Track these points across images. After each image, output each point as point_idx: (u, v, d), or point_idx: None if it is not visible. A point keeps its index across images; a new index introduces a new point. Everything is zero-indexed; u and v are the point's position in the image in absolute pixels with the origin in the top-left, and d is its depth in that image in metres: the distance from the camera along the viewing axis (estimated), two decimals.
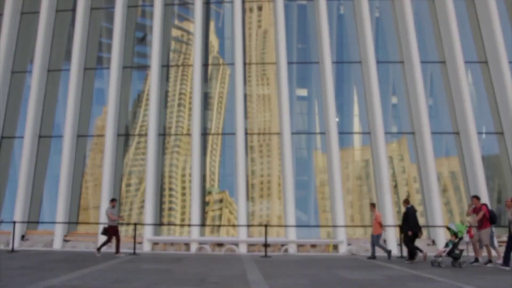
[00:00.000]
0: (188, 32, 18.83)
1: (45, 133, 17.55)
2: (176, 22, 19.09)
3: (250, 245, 15.40)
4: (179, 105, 17.86)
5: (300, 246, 15.24)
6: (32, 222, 16.52)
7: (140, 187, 16.89)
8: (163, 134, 17.32)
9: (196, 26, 17.41)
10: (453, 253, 10.76)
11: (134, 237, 14.23)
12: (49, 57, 18.15)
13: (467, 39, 17.34)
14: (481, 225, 11.27)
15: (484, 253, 11.72)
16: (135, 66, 18.43)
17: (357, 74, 17.49)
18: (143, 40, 18.93)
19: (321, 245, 15.27)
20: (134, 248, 14.06)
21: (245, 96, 17.30)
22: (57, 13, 18.66)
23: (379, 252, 13.56)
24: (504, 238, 15.46)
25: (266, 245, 13.98)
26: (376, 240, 13.07)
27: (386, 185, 15.42)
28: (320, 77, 17.23)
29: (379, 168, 15.71)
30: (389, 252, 13.04)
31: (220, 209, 16.71)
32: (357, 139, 17.35)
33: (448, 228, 11.16)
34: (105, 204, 15.80)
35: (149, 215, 15.75)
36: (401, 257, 13.32)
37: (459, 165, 16.40)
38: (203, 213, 16.41)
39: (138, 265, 10.53)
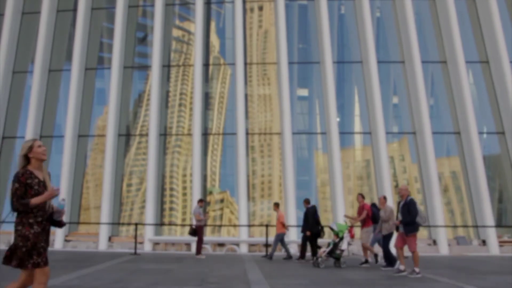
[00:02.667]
0: (189, 32, 18.83)
1: (46, 133, 17.56)
2: (177, 22, 19.11)
3: (251, 245, 15.41)
4: (180, 105, 17.86)
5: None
6: None
7: (141, 187, 16.90)
8: (164, 134, 17.33)
9: (197, 26, 17.41)
10: (334, 254, 10.51)
11: (135, 237, 14.23)
12: (50, 57, 18.16)
13: (468, 39, 17.33)
14: (363, 224, 11.04)
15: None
16: (136, 66, 18.44)
17: (358, 74, 17.49)
18: (144, 40, 18.94)
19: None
20: (135, 248, 14.06)
21: (246, 96, 17.30)
22: (58, 13, 18.66)
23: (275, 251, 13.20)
24: (505, 237, 15.52)
25: (267, 245, 13.97)
26: (275, 239, 12.83)
27: (387, 185, 15.40)
28: (321, 77, 17.23)
29: (380, 168, 15.69)
30: (287, 251, 12.75)
31: (221, 209, 16.72)
32: (358, 139, 17.35)
33: (331, 228, 10.93)
34: (106, 205, 15.83)
35: (150, 215, 15.75)
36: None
37: (460, 165, 16.38)
38: (204, 213, 16.39)
39: (139, 265, 10.54)
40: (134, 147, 17.52)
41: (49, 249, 10.86)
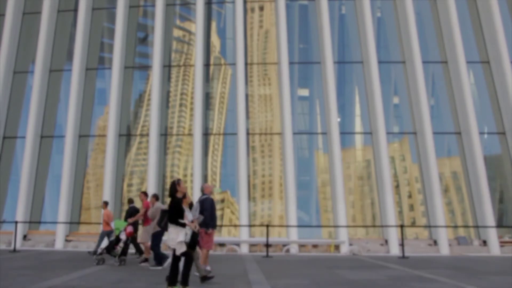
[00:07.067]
0: (190, 32, 18.84)
1: (47, 133, 17.57)
2: (178, 22, 19.11)
3: (252, 245, 15.40)
4: (180, 105, 17.87)
5: (301, 246, 15.24)
6: (34, 222, 16.55)
7: (142, 187, 16.90)
8: (164, 134, 17.34)
9: (197, 26, 17.42)
10: (112, 251, 10.58)
11: (136, 237, 14.21)
12: (51, 57, 18.18)
13: (469, 39, 17.33)
14: (143, 222, 10.89)
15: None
16: (137, 66, 18.44)
17: (359, 74, 17.48)
18: (144, 40, 18.95)
19: (323, 245, 15.27)
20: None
21: (246, 96, 17.30)
22: (58, 13, 18.69)
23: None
24: (506, 238, 15.50)
25: (267, 245, 13.98)
26: (101, 236, 12.77)
27: (388, 185, 15.40)
28: (322, 77, 17.23)
29: (381, 168, 15.69)
30: (102, 249, 12.65)
31: (222, 209, 16.72)
32: (358, 139, 17.33)
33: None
34: None
35: None
36: (403, 257, 13.30)
37: (461, 165, 16.37)
38: None
39: (140, 265, 10.54)
40: (135, 147, 17.52)
41: (50, 249, 10.83)
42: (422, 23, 17.91)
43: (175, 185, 6.97)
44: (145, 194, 11.57)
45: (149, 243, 10.67)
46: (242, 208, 15.62)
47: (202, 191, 9.12)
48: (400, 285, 7.63)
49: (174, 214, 6.74)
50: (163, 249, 12.59)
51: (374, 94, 16.30)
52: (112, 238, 10.82)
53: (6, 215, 16.76)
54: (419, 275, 9.12)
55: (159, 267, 9.89)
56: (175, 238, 6.68)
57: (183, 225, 6.73)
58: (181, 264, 6.90)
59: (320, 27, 17.29)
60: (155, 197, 10.77)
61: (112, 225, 11.21)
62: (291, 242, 15.12)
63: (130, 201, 12.45)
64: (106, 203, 13.18)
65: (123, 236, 10.66)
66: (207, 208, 8.78)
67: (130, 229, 10.78)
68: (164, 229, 7.04)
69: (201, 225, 8.74)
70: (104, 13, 18.95)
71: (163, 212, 7.10)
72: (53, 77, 18.10)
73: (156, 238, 10.16)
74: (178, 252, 6.70)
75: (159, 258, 10.02)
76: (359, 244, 15.38)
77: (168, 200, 8.55)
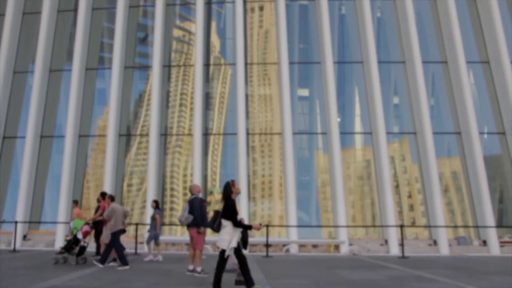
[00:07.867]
0: (190, 32, 18.84)
1: (46, 133, 17.57)
2: (178, 22, 19.11)
3: (252, 245, 15.40)
4: (180, 105, 17.87)
5: (301, 246, 15.24)
6: (34, 222, 16.55)
7: (142, 187, 16.91)
8: (164, 134, 17.34)
9: (197, 26, 17.42)
10: (71, 251, 10.64)
11: (136, 237, 14.24)
12: (51, 57, 18.18)
13: (469, 39, 17.33)
14: (104, 222, 10.95)
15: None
16: (137, 66, 18.44)
17: (359, 74, 17.48)
18: (144, 40, 18.95)
19: (323, 245, 15.27)
20: (136, 248, 14.06)
21: (246, 96, 17.30)
22: (58, 13, 18.69)
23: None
24: (506, 238, 15.51)
25: (267, 245, 13.98)
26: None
27: (388, 185, 15.40)
28: (322, 77, 17.23)
29: (381, 168, 15.69)
30: (61, 249, 12.28)
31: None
32: (358, 139, 17.34)
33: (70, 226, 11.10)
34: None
35: (150, 215, 15.74)
36: (403, 257, 13.30)
37: (460, 165, 16.38)
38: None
39: (139, 265, 10.54)
40: (135, 147, 17.52)
41: (50, 249, 10.86)
42: (422, 23, 17.92)
43: (229, 186, 6.70)
44: (102, 194, 11.74)
45: (106, 242, 10.64)
46: (242, 208, 15.61)
47: (190, 191, 9.18)
48: (400, 285, 7.63)
49: (230, 216, 6.57)
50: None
51: (374, 94, 16.30)
52: (70, 237, 10.90)
53: (6, 215, 16.76)
54: (419, 275, 9.12)
55: (127, 267, 9.83)
56: (228, 241, 6.50)
57: (249, 227, 6.69)
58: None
59: (320, 27, 17.29)
60: (111, 198, 10.80)
61: (71, 224, 11.29)
62: (291, 242, 15.13)
63: (99, 200, 12.47)
64: (75, 202, 13.18)
65: (79, 235, 10.75)
66: (197, 208, 8.86)
67: (86, 228, 10.87)
68: (216, 230, 6.95)
69: (192, 224, 8.82)
70: (104, 13, 18.95)
71: (216, 213, 7.00)
72: (53, 77, 18.10)
73: (116, 237, 10.14)
74: (226, 255, 6.53)
75: (122, 258, 9.99)
76: (359, 244, 15.38)
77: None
